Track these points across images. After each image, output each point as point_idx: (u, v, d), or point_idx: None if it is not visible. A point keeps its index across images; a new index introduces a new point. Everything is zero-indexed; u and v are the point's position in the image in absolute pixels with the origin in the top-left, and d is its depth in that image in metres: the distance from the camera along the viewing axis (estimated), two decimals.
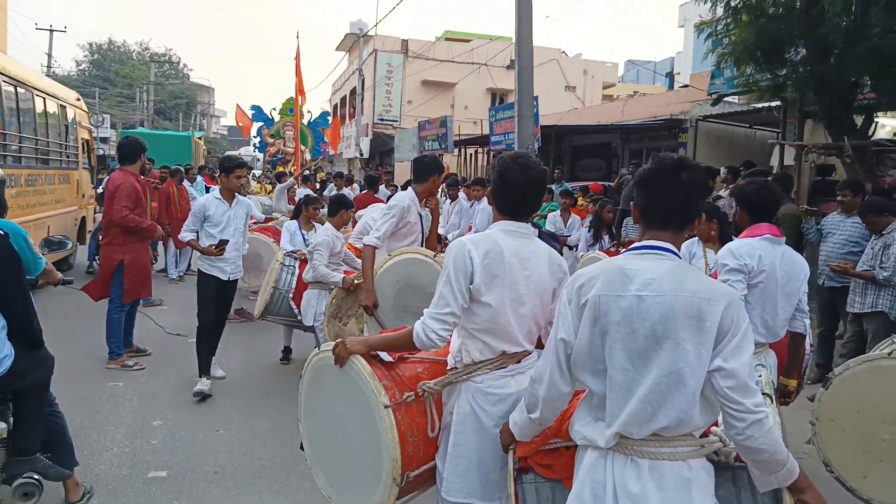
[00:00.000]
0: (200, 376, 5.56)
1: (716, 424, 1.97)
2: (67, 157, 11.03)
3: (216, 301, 5.58)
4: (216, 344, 5.76)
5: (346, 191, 11.98)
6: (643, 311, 1.86)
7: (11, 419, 3.19)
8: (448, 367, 2.58)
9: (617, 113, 17.88)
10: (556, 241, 7.31)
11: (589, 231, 8.03)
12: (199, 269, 5.61)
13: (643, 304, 1.86)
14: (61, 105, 10.83)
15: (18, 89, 8.83)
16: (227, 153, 52.61)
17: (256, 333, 7.46)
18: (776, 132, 11.45)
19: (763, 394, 2.17)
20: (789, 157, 10.74)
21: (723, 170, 9.31)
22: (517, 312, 2.45)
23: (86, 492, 3.68)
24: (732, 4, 8.11)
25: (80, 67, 59.52)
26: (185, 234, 5.54)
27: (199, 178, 13.13)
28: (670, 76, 30.14)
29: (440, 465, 2.55)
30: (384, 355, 2.65)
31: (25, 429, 3.22)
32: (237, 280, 5.82)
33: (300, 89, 18.04)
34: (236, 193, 5.69)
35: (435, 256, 3.98)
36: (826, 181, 10.41)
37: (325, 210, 6.55)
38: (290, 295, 6.06)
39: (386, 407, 2.46)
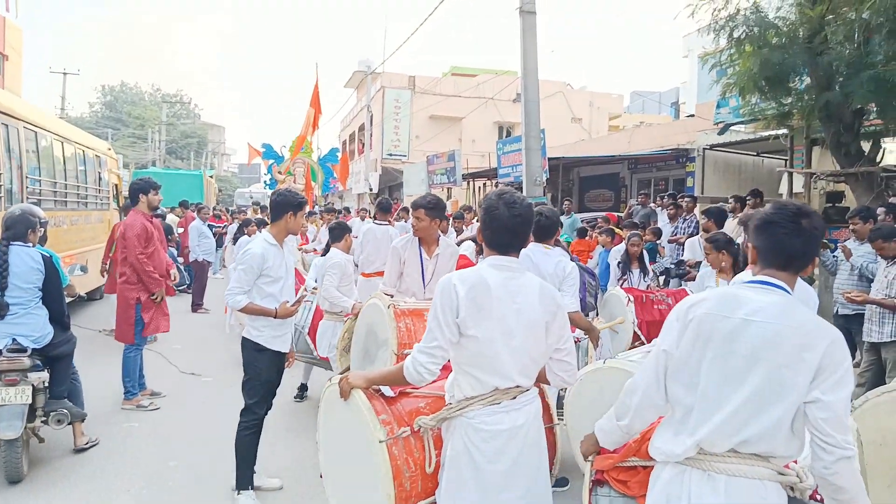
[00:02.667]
0: (239, 490, 4.17)
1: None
2: (101, 200, 12.52)
3: (274, 387, 4.33)
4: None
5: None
6: (747, 334, 1.95)
7: (48, 375, 4.65)
8: (446, 403, 2.62)
9: (624, 143, 18.00)
10: (593, 277, 6.74)
11: (618, 265, 7.55)
12: (250, 341, 4.22)
13: (749, 327, 1.96)
14: (96, 155, 12.53)
15: (65, 144, 10.46)
16: (238, 189, 53.17)
17: None
18: (784, 160, 11.48)
19: None
20: (798, 184, 10.75)
21: (730, 199, 9.33)
22: (509, 346, 2.46)
23: (90, 440, 5.12)
24: (735, 35, 8.20)
25: (93, 109, 60.64)
26: (239, 299, 4.12)
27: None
28: (675, 106, 30.35)
29: (440, 502, 2.57)
30: (386, 390, 2.74)
31: (58, 381, 4.78)
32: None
33: (315, 122, 18.34)
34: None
35: (389, 307, 3.93)
36: (836, 208, 10.41)
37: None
38: (306, 330, 6.05)
39: (381, 442, 2.55)
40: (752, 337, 1.94)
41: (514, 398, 2.50)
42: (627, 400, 2.19)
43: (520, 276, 2.54)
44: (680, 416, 2.05)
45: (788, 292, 2.04)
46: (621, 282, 7.32)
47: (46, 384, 4.61)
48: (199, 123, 65.02)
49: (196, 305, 11.71)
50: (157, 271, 6.19)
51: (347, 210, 15.31)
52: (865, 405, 3.27)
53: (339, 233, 6.09)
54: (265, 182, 28.03)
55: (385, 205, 8.26)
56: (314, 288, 6.29)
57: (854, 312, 6.02)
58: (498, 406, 2.47)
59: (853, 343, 6.29)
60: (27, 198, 8.29)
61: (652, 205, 12.35)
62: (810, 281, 6.23)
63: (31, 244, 4.73)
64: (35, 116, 9.25)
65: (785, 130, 10.24)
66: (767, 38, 7.99)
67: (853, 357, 6.41)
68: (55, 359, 4.75)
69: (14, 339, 4.53)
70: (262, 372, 4.22)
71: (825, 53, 7.71)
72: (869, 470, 3.18)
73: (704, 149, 14.05)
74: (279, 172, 23.23)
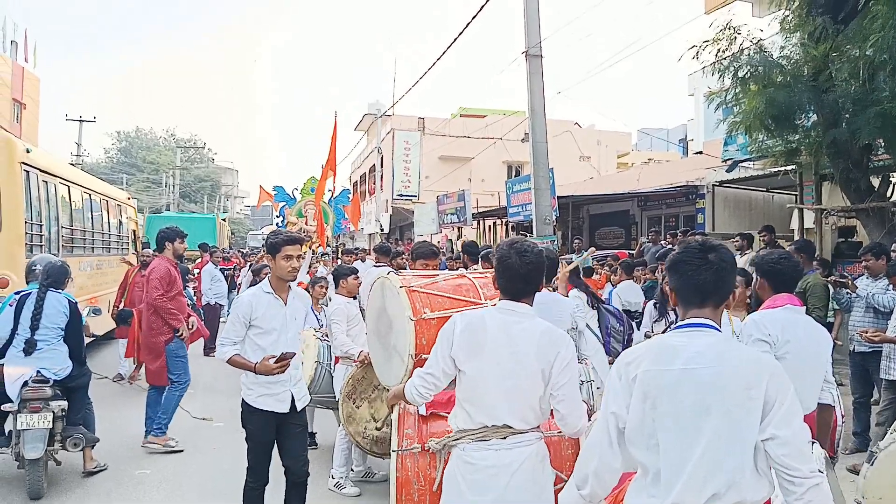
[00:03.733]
0: None
1: None
2: (121, 245, 13.64)
3: (270, 449, 4.03)
4: None
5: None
6: (691, 383, 1.93)
7: (66, 404, 5.23)
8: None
9: (633, 181, 18.06)
10: (619, 321, 6.40)
11: (655, 305, 7.07)
12: (243, 402, 3.98)
13: (690, 376, 1.94)
14: (118, 204, 13.67)
15: (92, 196, 11.57)
16: (251, 231, 53.41)
17: None
18: (794, 195, 11.47)
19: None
20: (809, 220, 10.73)
21: (736, 237, 9.30)
22: (501, 386, 2.54)
23: (98, 465, 5.57)
24: (740, 75, 8.29)
25: (108, 155, 61.58)
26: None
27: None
28: (684, 143, 30.49)
29: None
30: (421, 408, 3.11)
31: (74, 410, 5.31)
32: (305, 408, 4.23)
33: (332, 166, 18.52)
34: (290, 284, 4.07)
35: (401, 288, 3.71)
36: (848, 242, 10.36)
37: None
38: (332, 369, 5.76)
39: (393, 451, 2.95)
40: (695, 386, 1.93)
41: (505, 438, 2.54)
42: (584, 468, 2.13)
43: (524, 321, 2.60)
44: (651, 479, 2.00)
45: (718, 330, 2.04)
46: (659, 323, 6.80)
47: (65, 412, 5.20)
48: (212, 167, 65.80)
49: (208, 349, 11.70)
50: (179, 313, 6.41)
51: (356, 252, 15.18)
52: (891, 447, 3.19)
53: (335, 279, 6.02)
54: (277, 224, 28.23)
55: (384, 248, 8.90)
56: (320, 328, 6.30)
57: (871, 350, 5.93)
58: (486, 443, 2.54)
59: (870, 381, 6.19)
60: (62, 246, 9.27)
61: (663, 242, 12.34)
62: (825, 322, 6.14)
63: (62, 291, 5.41)
64: (68, 172, 10.53)
65: (793, 167, 10.26)
66: (772, 77, 8.06)
67: (871, 395, 6.30)
68: (72, 390, 5.34)
69: (38, 372, 5.12)
70: (254, 433, 3.96)
71: (831, 91, 7.77)
72: None
73: (714, 185, 14.06)
74: (291, 214, 23.45)
